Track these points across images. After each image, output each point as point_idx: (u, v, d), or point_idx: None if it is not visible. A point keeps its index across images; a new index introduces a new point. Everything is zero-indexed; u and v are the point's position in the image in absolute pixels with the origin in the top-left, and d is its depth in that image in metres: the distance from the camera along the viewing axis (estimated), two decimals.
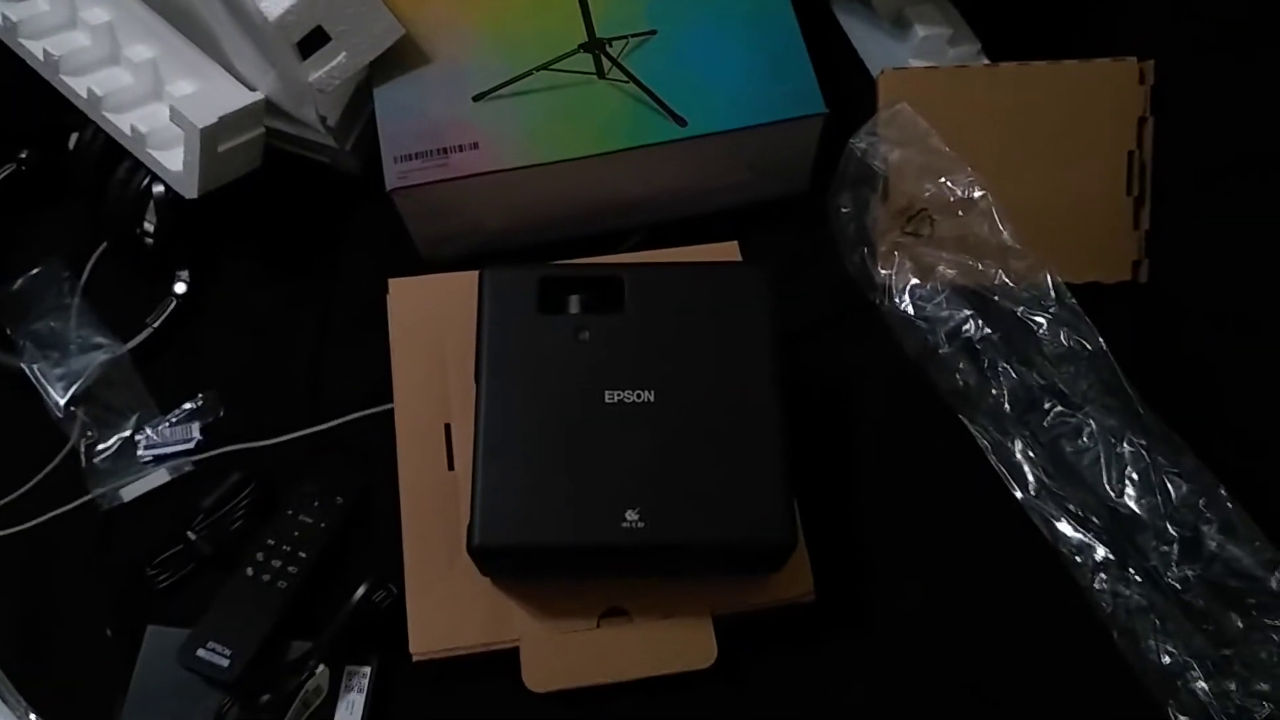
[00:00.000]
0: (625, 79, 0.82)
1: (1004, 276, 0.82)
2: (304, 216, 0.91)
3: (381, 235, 0.86)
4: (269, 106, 0.83)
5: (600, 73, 0.83)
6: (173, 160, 0.80)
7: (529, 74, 0.83)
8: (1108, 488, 0.77)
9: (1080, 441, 0.79)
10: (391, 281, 0.79)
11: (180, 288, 0.87)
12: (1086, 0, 0.96)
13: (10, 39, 0.85)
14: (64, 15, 0.85)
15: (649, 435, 0.67)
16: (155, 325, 0.85)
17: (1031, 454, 0.79)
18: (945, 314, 0.82)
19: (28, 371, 0.83)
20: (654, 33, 0.84)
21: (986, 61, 0.90)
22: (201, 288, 0.88)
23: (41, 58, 0.83)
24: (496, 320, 0.70)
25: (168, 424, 0.82)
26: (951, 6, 0.92)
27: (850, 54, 0.96)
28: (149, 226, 0.85)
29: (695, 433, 0.67)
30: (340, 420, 0.81)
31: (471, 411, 0.68)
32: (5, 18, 0.83)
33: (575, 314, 0.71)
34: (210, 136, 0.77)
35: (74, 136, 0.87)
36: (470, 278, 0.72)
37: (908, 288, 0.83)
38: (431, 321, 0.77)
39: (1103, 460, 0.78)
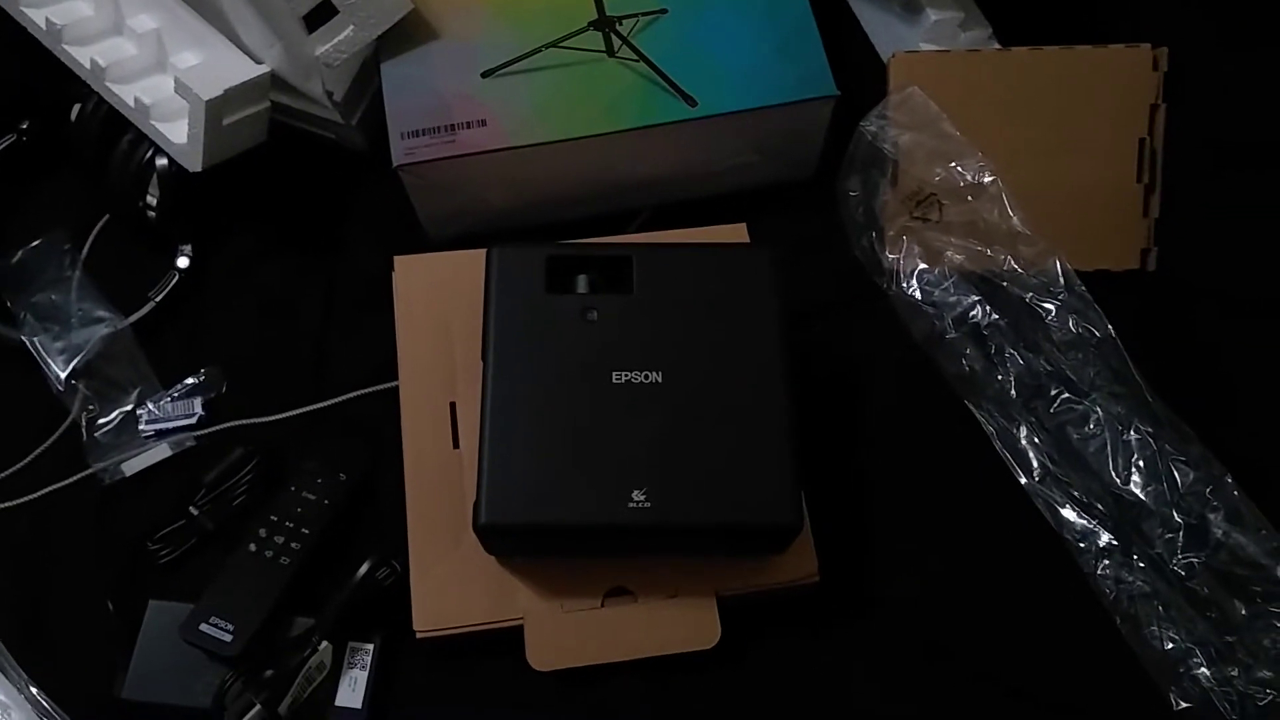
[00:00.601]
0: (635, 58, 0.82)
1: (1013, 262, 0.82)
2: (309, 192, 0.90)
3: (387, 212, 0.85)
4: (275, 80, 0.82)
5: (610, 51, 0.82)
6: (177, 133, 0.80)
7: (538, 51, 0.82)
8: (1113, 474, 0.77)
9: (1087, 428, 0.79)
10: (397, 259, 0.79)
11: (183, 262, 0.86)
12: None
13: (12, 7, 0.84)
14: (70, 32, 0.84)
15: (656, 416, 0.67)
16: (157, 299, 0.84)
17: (1037, 440, 0.79)
18: (953, 299, 0.82)
19: (28, 344, 0.83)
20: (664, 11, 0.84)
21: (998, 46, 0.90)
22: (205, 262, 0.87)
23: (44, 27, 0.82)
24: (504, 298, 0.70)
25: (170, 399, 0.81)
26: None
27: (861, 37, 0.95)
28: (152, 200, 0.84)
29: (702, 414, 0.67)
30: (345, 397, 0.81)
31: (477, 390, 0.68)
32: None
33: (583, 294, 0.71)
34: (215, 109, 0.77)
35: (76, 107, 0.86)
36: (477, 256, 0.72)
37: (915, 272, 0.83)
38: (438, 299, 0.77)
39: (1109, 447, 0.78)
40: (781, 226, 0.83)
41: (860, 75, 0.87)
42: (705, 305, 0.70)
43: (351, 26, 0.79)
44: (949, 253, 0.83)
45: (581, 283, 0.71)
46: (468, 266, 0.73)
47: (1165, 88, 0.84)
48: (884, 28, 0.94)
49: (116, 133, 0.84)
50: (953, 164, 0.83)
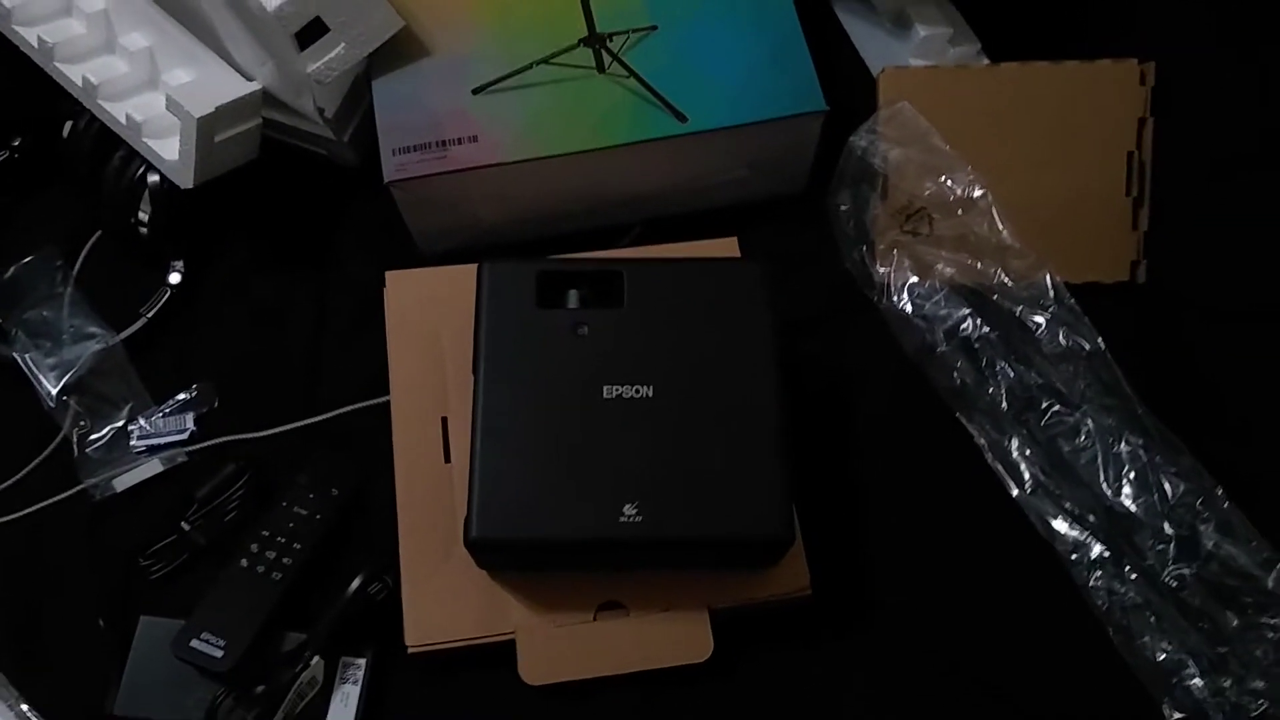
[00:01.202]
0: (625, 74, 0.82)
1: (1003, 276, 0.82)
2: (300, 208, 0.91)
3: (379, 227, 0.86)
4: (266, 97, 0.82)
5: (600, 67, 0.83)
6: (168, 150, 0.80)
7: (529, 68, 0.83)
8: (1105, 487, 0.77)
9: (1078, 440, 0.79)
10: (389, 274, 0.79)
11: (175, 278, 0.86)
12: (1087, 1, 0.96)
13: (4, 26, 0.84)
14: (59, 2, 0.84)
15: (647, 430, 0.67)
16: (149, 315, 0.85)
17: (1028, 452, 0.79)
18: (944, 312, 0.82)
19: (19, 360, 0.83)
20: (655, 28, 0.84)
21: (987, 61, 0.90)
22: (197, 278, 0.87)
23: (36, 45, 0.83)
24: (495, 314, 0.70)
25: (161, 414, 0.81)
26: (952, 6, 0.92)
27: (851, 52, 0.95)
28: (144, 216, 0.85)
29: (694, 428, 0.67)
30: (336, 412, 0.81)
31: (468, 404, 0.68)
32: (0, 5, 0.83)
33: (574, 309, 0.71)
34: (207, 126, 0.77)
35: (68, 124, 0.86)
36: (468, 271, 0.72)
37: (906, 286, 0.83)
38: (429, 314, 0.77)
39: (1100, 459, 0.78)
40: (773, 240, 0.84)
41: (850, 89, 0.87)
42: (696, 319, 0.70)
43: (343, 44, 0.79)
44: (939, 266, 0.83)
45: (572, 298, 0.72)
46: (459, 282, 0.74)
47: (1154, 99, 0.84)
48: (873, 43, 0.95)
49: (108, 150, 0.84)
50: (942, 178, 0.83)
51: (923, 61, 0.90)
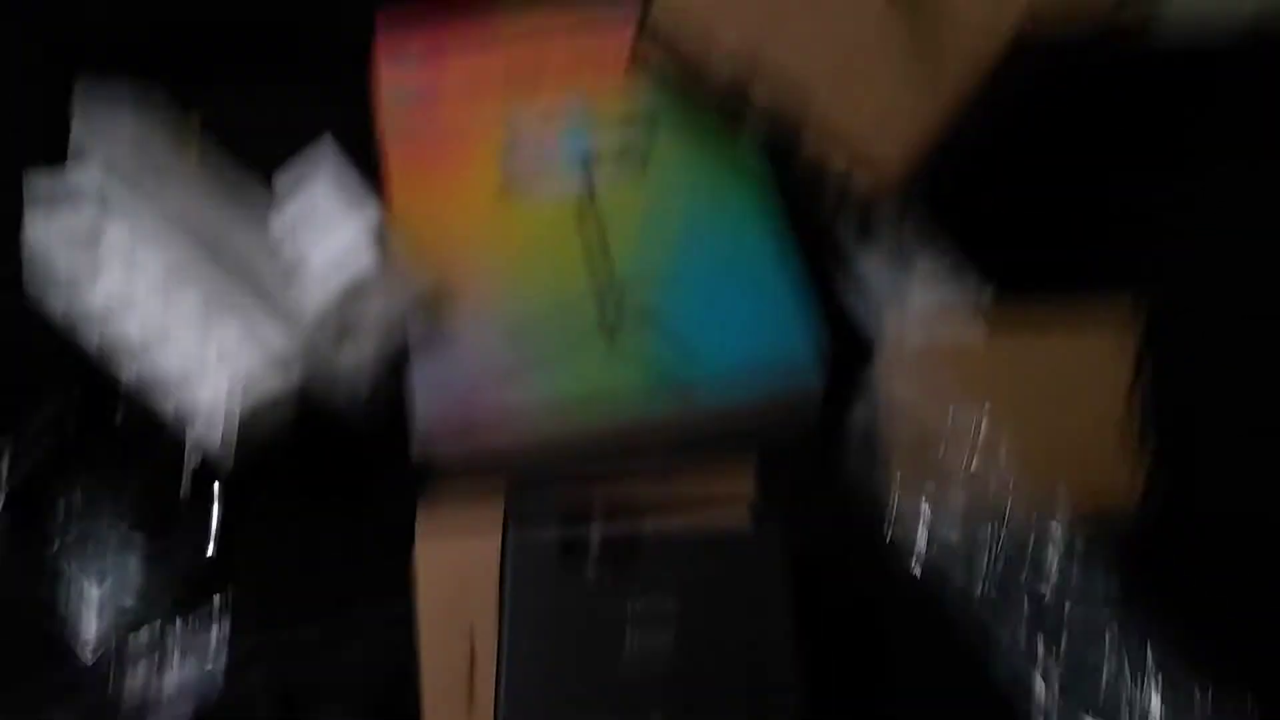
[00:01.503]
0: (638, 353, 0.88)
1: (1014, 513, 0.85)
2: (331, 448, 0.92)
3: (405, 463, 0.88)
4: (303, 388, 0.87)
5: (615, 348, 0.88)
6: (212, 435, 0.85)
7: (549, 350, 0.88)
8: (1136, 695, 0.79)
9: (1101, 663, 0.80)
10: (419, 542, 0.81)
11: (212, 546, 0.89)
12: (1087, 232, 0.99)
13: (74, 328, 0.90)
14: (119, 308, 0.89)
15: (668, 682, 0.71)
16: (191, 601, 0.87)
17: (1052, 677, 0.80)
18: (959, 546, 0.85)
19: (65, 602, 0.86)
20: (667, 307, 0.90)
21: (990, 296, 0.93)
22: (231, 528, 0.90)
23: (98, 347, 0.89)
24: (518, 579, 0.75)
25: (195, 654, 0.84)
26: (952, 243, 0.95)
27: (854, 278, 0.97)
28: (186, 477, 0.89)
29: (713, 682, 0.71)
30: (365, 625, 0.84)
31: (494, 647, 0.73)
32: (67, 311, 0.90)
33: (596, 571, 0.75)
34: (248, 418, 0.83)
35: (121, 403, 0.91)
36: (496, 532, 0.77)
37: (921, 521, 0.86)
38: (457, 569, 0.80)
39: (1127, 678, 0.80)
40: (786, 463, 0.87)
41: (855, 324, 0.92)
42: (716, 583, 0.74)
43: (374, 342, 0.87)
44: (952, 503, 0.86)
45: (593, 556, 0.75)
46: (488, 544, 0.77)
47: (1151, 334, 0.89)
48: (876, 273, 0.97)
49: (155, 432, 0.89)
50: (950, 424, 0.87)
51: (923, 293, 0.94)
